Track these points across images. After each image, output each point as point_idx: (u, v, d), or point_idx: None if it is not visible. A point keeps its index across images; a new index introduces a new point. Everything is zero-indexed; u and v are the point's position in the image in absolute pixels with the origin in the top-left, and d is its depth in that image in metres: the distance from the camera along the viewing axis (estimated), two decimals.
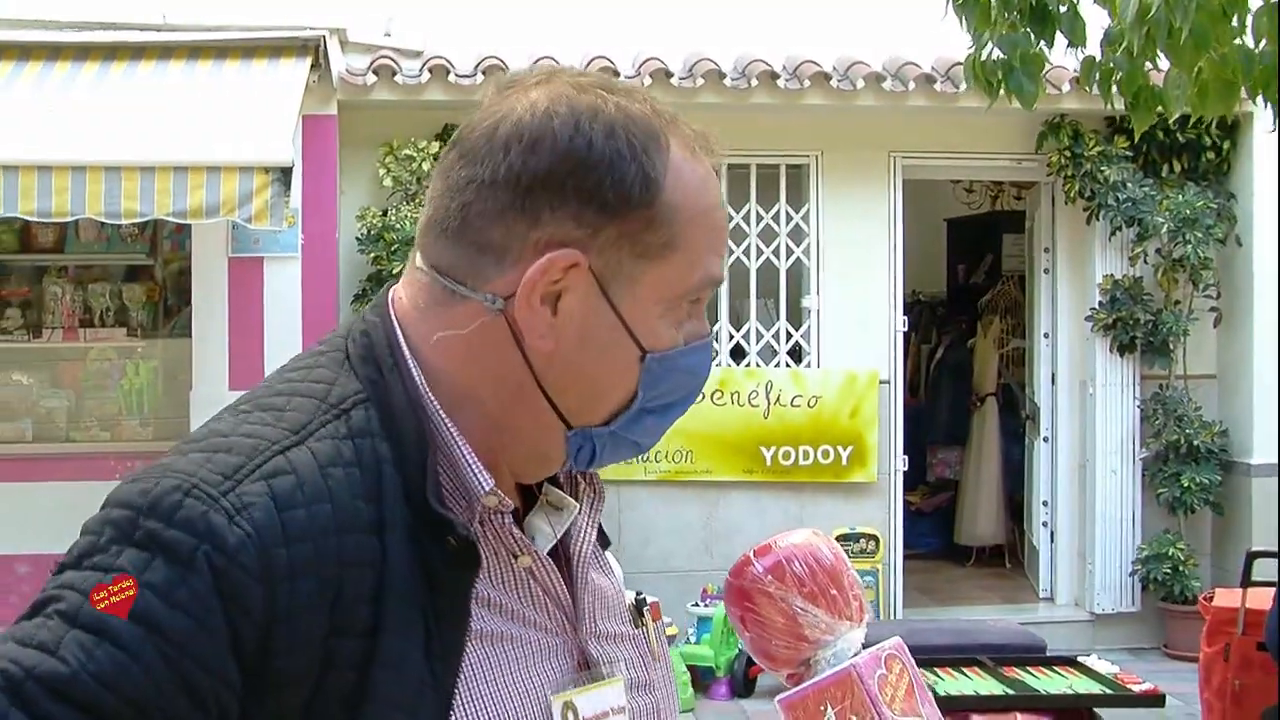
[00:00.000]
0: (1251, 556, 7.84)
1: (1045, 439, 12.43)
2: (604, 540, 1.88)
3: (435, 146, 10.68)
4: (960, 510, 13.96)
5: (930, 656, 7.23)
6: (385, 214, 10.59)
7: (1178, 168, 11.84)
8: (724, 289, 11.24)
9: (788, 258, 11.58)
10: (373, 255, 10.53)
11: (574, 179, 1.58)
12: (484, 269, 1.60)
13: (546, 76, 1.65)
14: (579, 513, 1.77)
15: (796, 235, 11.63)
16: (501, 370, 1.63)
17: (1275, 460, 11.65)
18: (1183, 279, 11.77)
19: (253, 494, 1.48)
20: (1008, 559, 13.60)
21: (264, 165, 8.93)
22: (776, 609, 1.60)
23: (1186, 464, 11.81)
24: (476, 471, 1.61)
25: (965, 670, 7.26)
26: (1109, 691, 7.27)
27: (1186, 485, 11.74)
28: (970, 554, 13.75)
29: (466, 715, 1.57)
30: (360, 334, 1.68)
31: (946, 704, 6.49)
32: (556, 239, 1.58)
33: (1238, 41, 3.95)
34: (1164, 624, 11.76)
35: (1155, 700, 7.36)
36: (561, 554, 1.75)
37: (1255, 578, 7.64)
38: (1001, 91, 4.17)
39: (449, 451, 1.61)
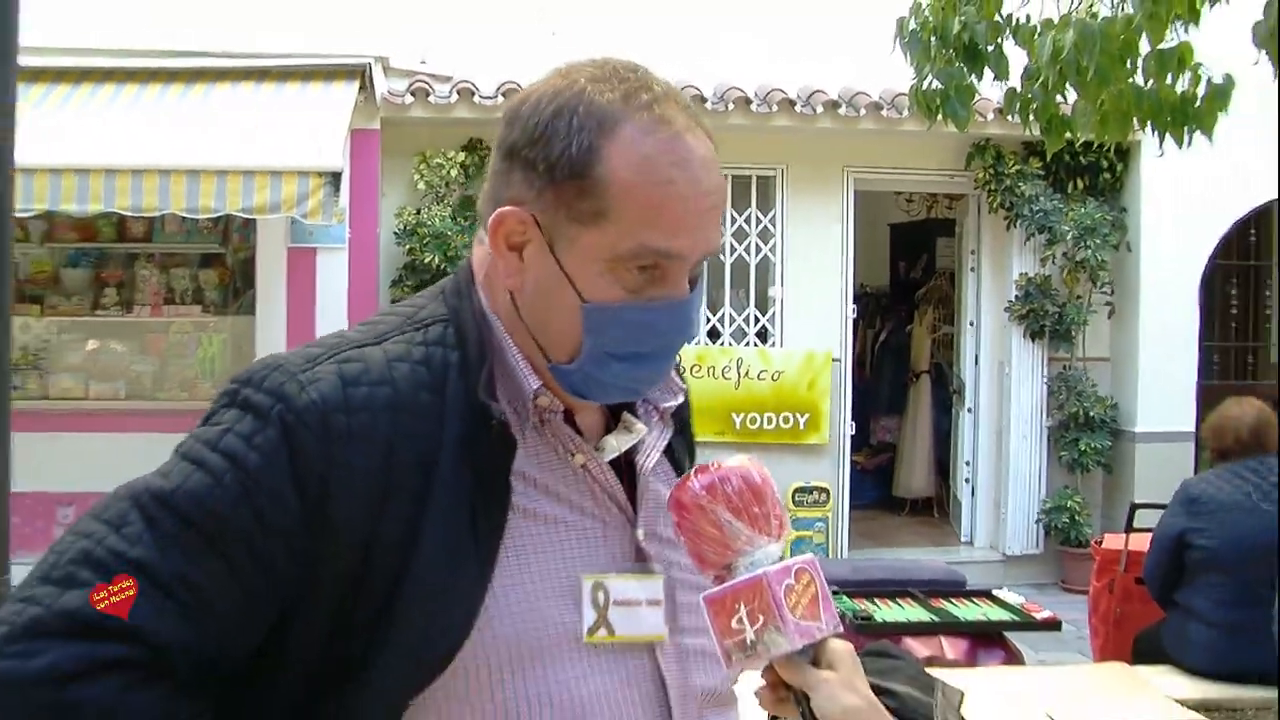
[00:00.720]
0: (1134, 507, 7.84)
1: (969, 410, 12.41)
2: (679, 468, 1.88)
3: (462, 156, 10.73)
4: (897, 468, 13.92)
5: (871, 589, 7.21)
6: (419, 213, 10.59)
7: (1081, 185, 11.80)
8: (702, 280, 11.19)
9: (757, 254, 11.53)
10: (408, 248, 10.53)
11: (527, 150, 1.62)
12: (487, 219, 1.66)
13: (570, 66, 1.69)
14: (648, 434, 1.78)
15: (765, 235, 11.58)
16: (507, 304, 1.68)
17: (1155, 429, 11.79)
18: (1083, 278, 11.78)
19: (325, 373, 1.59)
20: (936, 509, 13.55)
21: (318, 170, 8.98)
22: (707, 520, 1.57)
23: (1084, 431, 11.82)
24: (525, 375, 1.66)
25: (899, 601, 7.22)
26: (1017, 618, 7.24)
27: (1083, 449, 11.76)
28: (905, 505, 13.71)
29: (504, 576, 1.60)
30: (453, 276, 1.76)
31: (884, 629, 6.52)
32: (516, 198, 1.63)
33: (1131, 80, 3.94)
34: (1062, 564, 11.77)
35: (1054, 625, 7.34)
36: (625, 465, 1.77)
37: (1136, 525, 7.67)
38: (939, 116, 4.14)
39: (505, 360, 1.67)
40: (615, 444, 1.74)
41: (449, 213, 10.54)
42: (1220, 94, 3.99)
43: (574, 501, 1.69)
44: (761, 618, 1.51)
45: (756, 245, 11.55)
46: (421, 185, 10.70)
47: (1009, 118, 4.55)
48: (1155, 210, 11.74)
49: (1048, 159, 9.39)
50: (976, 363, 12.31)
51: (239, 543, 1.51)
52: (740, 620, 1.51)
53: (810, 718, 1.52)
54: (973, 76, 4.17)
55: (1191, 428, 11.62)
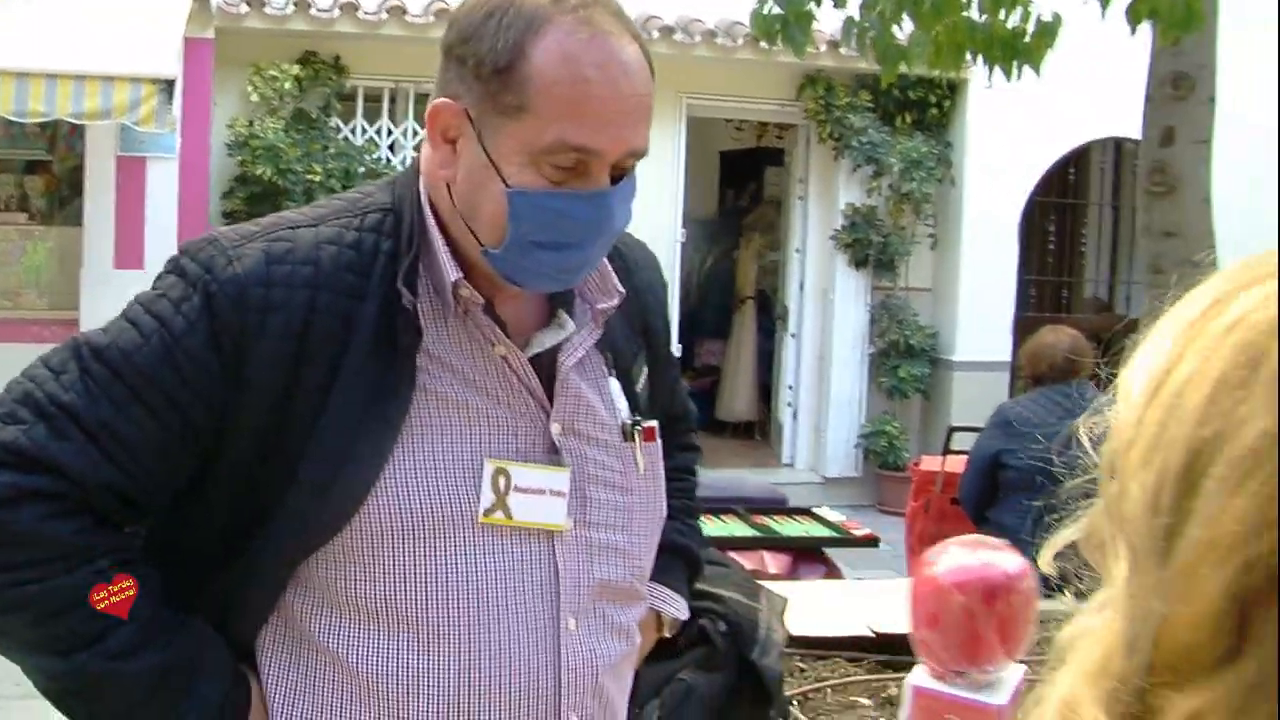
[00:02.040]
0: (951, 430, 8.11)
1: (793, 335, 12.61)
2: (630, 380, 1.96)
3: (296, 69, 10.58)
4: (721, 391, 14.06)
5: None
6: (251, 124, 10.44)
7: (909, 119, 12.03)
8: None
9: None
10: (240, 159, 10.41)
11: (460, 48, 1.71)
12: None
13: None
14: (575, 333, 1.86)
15: None
16: (445, 192, 1.76)
17: (973, 358, 12.12)
18: (908, 209, 12.06)
19: (252, 250, 1.71)
20: (758, 432, 13.75)
21: (152, 77, 8.86)
22: (966, 619, 1.48)
23: (904, 359, 12.11)
24: (448, 265, 1.74)
25: (722, 517, 7.34)
26: (836, 535, 7.44)
27: (903, 376, 12.06)
28: (728, 428, 13.89)
29: (406, 449, 1.71)
30: (405, 168, 1.86)
31: (708, 543, 6.66)
32: (451, 93, 1.72)
33: (965, 14, 4.08)
34: (879, 487, 12.08)
35: (872, 542, 7.57)
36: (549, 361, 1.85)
37: (953, 448, 7.93)
38: (778, 42, 4.25)
39: (432, 250, 1.76)
40: (542, 339, 1.83)
41: (282, 125, 10.41)
42: (1048, 31, 4.15)
43: (489, 389, 1.78)
44: None
45: None
46: (255, 97, 10.53)
47: (843, 50, 4.66)
48: (980, 146, 12.06)
49: (882, 89, 9.63)
50: (801, 290, 12.50)
51: (161, 396, 1.66)
52: None
53: None
54: (812, 3, 4.27)
55: (1008, 358, 11.99)
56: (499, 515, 1.76)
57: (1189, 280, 2.91)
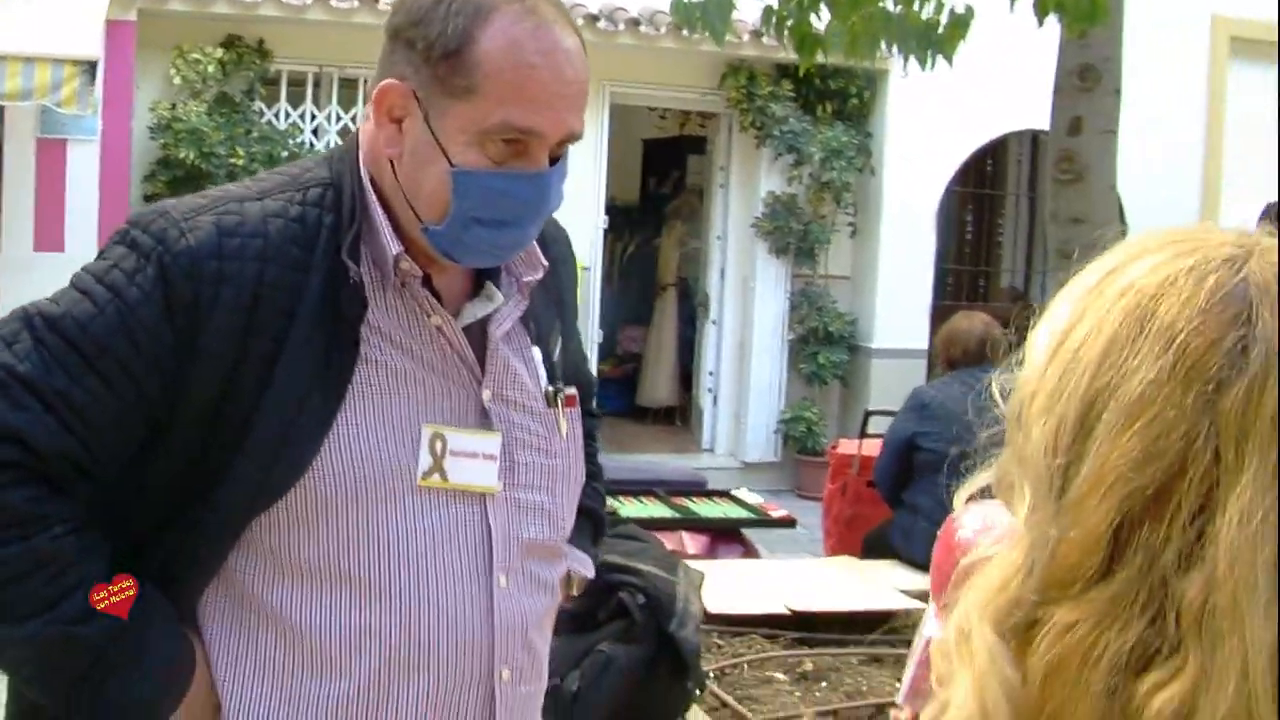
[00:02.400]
0: (868, 414, 8.23)
1: (714, 322, 12.70)
2: (548, 350, 2.05)
3: (220, 52, 10.50)
4: (642, 378, 14.15)
5: (616, 489, 7.42)
6: (174, 108, 10.37)
7: (830, 109, 12.12)
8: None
9: None
10: (162, 142, 10.33)
11: (409, 31, 1.80)
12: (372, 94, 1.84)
13: None
14: (503, 305, 1.94)
15: None
16: (388, 170, 1.84)
17: (890, 345, 12.27)
18: (828, 198, 12.14)
19: (203, 223, 1.77)
20: (679, 418, 13.81)
21: (74, 58, 8.81)
22: None
23: (823, 345, 12.21)
24: (389, 239, 1.82)
25: (643, 499, 7.44)
26: (754, 516, 7.56)
27: (822, 362, 12.16)
28: (649, 414, 13.98)
29: (348, 416, 1.79)
30: (342, 144, 1.94)
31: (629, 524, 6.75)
32: (398, 74, 1.80)
33: (881, 4, 4.20)
34: (798, 471, 12.16)
35: (789, 523, 7.69)
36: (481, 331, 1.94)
37: (869, 431, 8.06)
38: (699, 30, 4.34)
39: (374, 224, 1.84)
40: (473, 310, 1.92)
41: (205, 109, 10.35)
42: (961, 22, 4.27)
43: (425, 358, 1.87)
44: None
45: None
46: (178, 80, 10.44)
47: (763, 38, 4.74)
48: (899, 136, 12.19)
49: (801, 73, 9.73)
50: (722, 277, 12.60)
51: (116, 365, 1.71)
52: None
53: None
54: None
55: (925, 345, 12.11)
56: (436, 478, 1.84)
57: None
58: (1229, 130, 13.41)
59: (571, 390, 2.05)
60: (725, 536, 7.33)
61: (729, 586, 5.79)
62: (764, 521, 7.54)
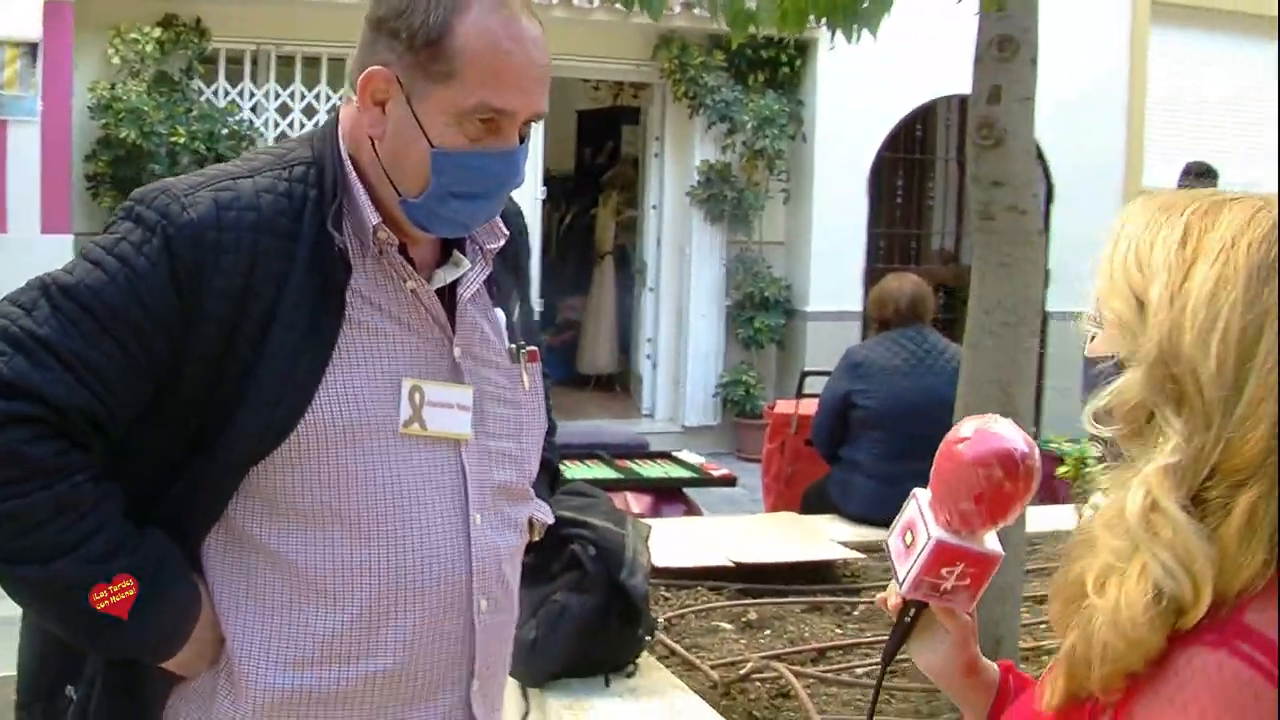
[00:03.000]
0: (804, 375, 8.46)
1: (651, 289, 12.91)
2: (508, 312, 2.24)
3: (158, 32, 10.54)
4: (582, 346, 14.29)
5: (561, 453, 7.60)
6: (113, 87, 10.41)
7: (761, 78, 12.33)
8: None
9: None
10: (103, 123, 10.38)
11: (392, 21, 1.97)
12: (356, 80, 2.01)
13: None
14: (470, 270, 2.13)
15: None
16: (368, 149, 2.03)
17: (825, 309, 12.50)
18: (761, 165, 12.36)
19: (203, 198, 1.94)
20: (619, 385, 13.98)
21: (15, 40, 8.88)
22: (998, 487, 1.65)
23: (759, 310, 12.44)
24: (368, 211, 2.01)
25: (587, 462, 7.60)
26: (695, 476, 7.77)
27: (758, 327, 12.39)
28: (590, 380, 14.12)
29: (336, 371, 1.98)
30: (323, 124, 2.11)
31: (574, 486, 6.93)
32: (381, 61, 1.98)
33: None
34: (737, 434, 12.41)
35: (730, 481, 7.91)
36: (450, 294, 2.12)
37: (806, 391, 8.30)
38: (634, 5, 4.48)
39: (353, 198, 2.02)
40: (443, 275, 2.11)
41: (144, 88, 10.40)
42: None
43: (402, 319, 2.06)
44: (968, 580, 1.69)
45: None
46: (116, 60, 10.47)
47: (696, 10, 4.88)
48: (830, 104, 12.40)
49: (732, 47, 9.92)
50: (659, 245, 12.78)
51: (128, 328, 1.88)
52: (950, 572, 1.68)
53: (905, 631, 1.76)
54: None
55: (859, 308, 12.35)
56: (415, 427, 2.03)
57: (1016, 223, 3.37)
58: (1151, 92, 13.72)
59: (533, 347, 2.25)
60: (668, 496, 7.53)
61: (675, 542, 5.98)
62: (705, 480, 7.75)
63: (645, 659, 4.65)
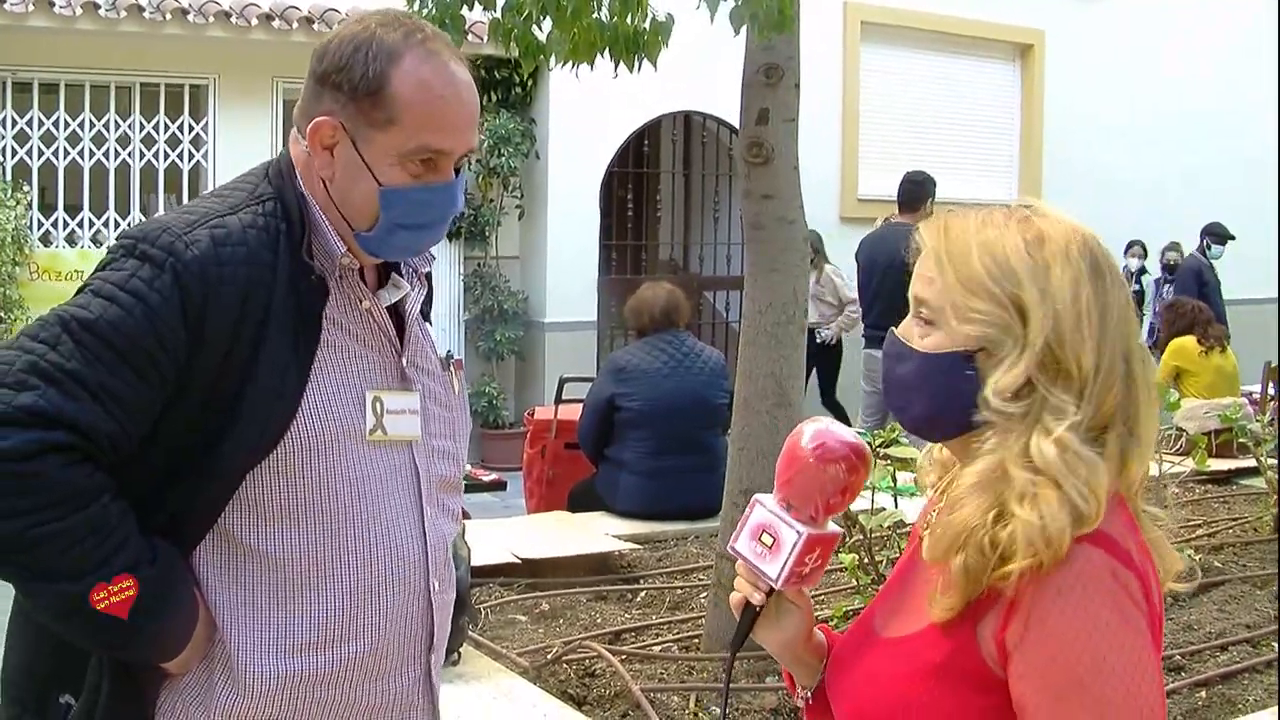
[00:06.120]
0: (564, 381, 8.70)
1: None
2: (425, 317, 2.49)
3: None
4: None
5: None
6: None
7: (495, 98, 12.64)
8: (135, 186, 11.50)
9: (190, 161, 11.88)
10: None
11: (335, 75, 2.15)
12: (304, 127, 2.18)
13: (363, 15, 2.23)
14: (410, 292, 2.36)
15: (197, 143, 11.90)
16: (320, 188, 2.22)
17: (562, 319, 12.84)
18: (497, 183, 12.69)
19: (202, 235, 2.09)
20: None
21: None
22: (844, 479, 1.92)
23: (498, 323, 12.77)
24: (334, 241, 2.23)
25: None
26: (465, 482, 8.03)
27: (498, 339, 12.70)
28: None
29: (314, 386, 2.19)
30: (274, 163, 2.28)
31: None
32: (327, 111, 2.16)
33: (596, 15, 4.72)
34: (482, 445, 12.56)
35: (500, 486, 8.23)
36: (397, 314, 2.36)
37: (565, 397, 8.56)
38: None
39: (320, 230, 2.23)
40: (386, 295, 2.34)
41: None
42: (663, 30, 4.84)
43: (361, 336, 2.28)
44: (819, 560, 1.95)
45: (189, 152, 11.83)
46: None
47: (495, 41, 5.08)
48: (561, 122, 12.77)
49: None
50: None
51: (144, 357, 2.02)
52: (811, 558, 1.93)
53: (754, 618, 2.00)
54: (465, 8, 4.83)
55: (594, 317, 12.79)
56: (379, 433, 2.25)
57: (785, 232, 3.94)
58: (862, 107, 14.50)
59: (459, 357, 2.54)
60: None
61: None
62: (477, 486, 8.02)
63: (465, 648, 4.93)
